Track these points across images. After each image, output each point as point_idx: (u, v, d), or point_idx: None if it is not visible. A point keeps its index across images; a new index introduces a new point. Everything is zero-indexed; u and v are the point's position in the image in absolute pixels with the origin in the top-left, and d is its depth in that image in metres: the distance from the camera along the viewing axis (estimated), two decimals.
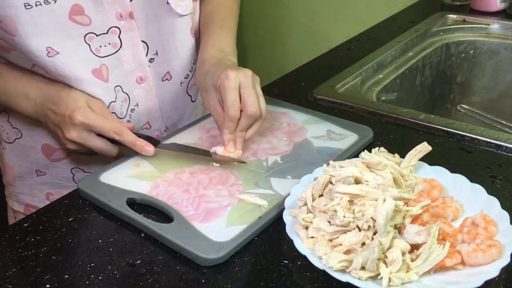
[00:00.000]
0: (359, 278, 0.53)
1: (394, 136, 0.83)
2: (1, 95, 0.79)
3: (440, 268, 0.54)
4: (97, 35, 0.76)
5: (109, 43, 0.77)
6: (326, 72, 1.05)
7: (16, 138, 0.87)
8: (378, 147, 0.69)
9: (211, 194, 0.68)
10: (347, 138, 0.80)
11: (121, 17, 0.77)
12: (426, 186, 0.65)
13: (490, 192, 0.63)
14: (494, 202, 0.61)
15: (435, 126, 0.84)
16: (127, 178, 0.72)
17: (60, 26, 0.72)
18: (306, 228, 0.59)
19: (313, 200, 0.61)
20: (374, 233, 0.55)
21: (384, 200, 0.55)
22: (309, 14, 1.83)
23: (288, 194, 0.66)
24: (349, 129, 0.82)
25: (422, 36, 1.22)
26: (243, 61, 1.99)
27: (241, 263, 0.59)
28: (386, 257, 0.54)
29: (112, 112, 0.80)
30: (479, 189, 0.64)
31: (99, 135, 0.75)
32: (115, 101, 0.81)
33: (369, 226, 0.55)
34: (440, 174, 0.67)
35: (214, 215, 0.64)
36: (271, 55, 2.00)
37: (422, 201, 0.60)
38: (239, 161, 0.74)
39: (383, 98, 1.06)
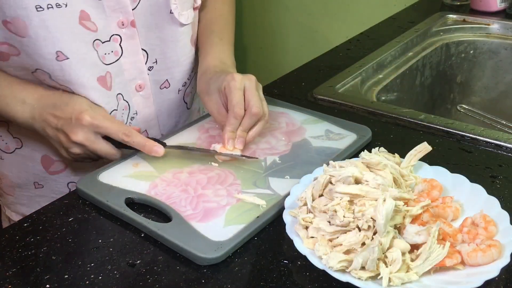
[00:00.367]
0: (359, 278, 0.53)
1: (394, 136, 0.83)
2: None
3: (440, 268, 0.54)
4: (102, 42, 0.76)
5: (112, 51, 0.77)
6: (326, 72, 1.05)
7: (16, 148, 0.87)
8: (378, 147, 0.69)
9: (209, 193, 0.68)
10: (346, 138, 0.80)
11: (123, 25, 0.77)
12: (426, 186, 0.65)
13: (490, 192, 0.63)
14: (494, 202, 0.61)
15: (435, 126, 0.84)
16: (126, 178, 0.71)
17: (71, 31, 0.71)
18: (306, 228, 0.59)
19: (313, 200, 0.61)
20: (374, 233, 0.55)
21: (384, 200, 0.55)
22: (309, 14, 1.83)
23: (286, 194, 0.66)
24: (347, 129, 0.82)
25: (422, 36, 1.22)
26: (243, 61, 1.99)
27: (241, 263, 0.58)
28: (386, 257, 0.54)
29: None
30: (479, 189, 0.64)
31: (105, 138, 0.75)
32: (116, 109, 0.81)
33: (369, 226, 0.55)
34: (440, 174, 0.67)
35: (213, 214, 0.64)
36: (271, 55, 2.00)
37: (422, 201, 0.60)
38: (251, 157, 0.75)
39: (383, 98, 1.06)
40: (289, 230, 0.59)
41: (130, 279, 0.57)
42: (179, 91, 0.91)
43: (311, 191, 0.61)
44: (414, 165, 0.68)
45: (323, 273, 0.54)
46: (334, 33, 1.76)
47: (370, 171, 0.62)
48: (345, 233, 0.56)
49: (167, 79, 0.87)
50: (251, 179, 0.71)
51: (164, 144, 0.76)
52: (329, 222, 0.57)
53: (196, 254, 0.58)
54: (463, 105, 1.30)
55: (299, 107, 0.89)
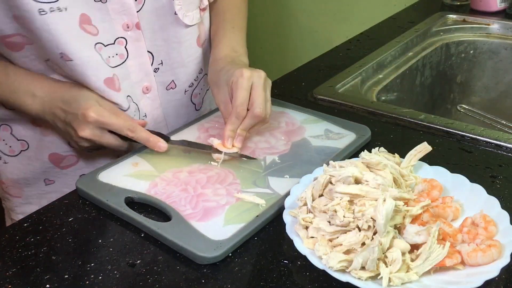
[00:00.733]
0: (359, 278, 0.53)
1: (394, 136, 0.83)
2: (7, 93, 0.78)
3: (440, 268, 0.54)
4: (105, 46, 0.75)
5: (117, 54, 0.77)
6: (326, 72, 1.05)
7: (22, 150, 0.87)
8: (378, 147, 0.69)
9: (209, 193, 0.68)
10: (345, 137, 0.80)
11: (128, 27, 0.77)
12: (426, 186, 0.65)
13: (490, 192, 0.63)
14: (494, 202, 0.61)
15: (435, 126, 0.84)
16: (126, 177, 0.71)
17: (72, 34, 0.71)
18: (306, 228, 0.59)
19: (313, 200, 0.61)
20: (374, 233, 0.55)
21: (384, 200, 0.55)
22: (309, 14, 1.83)
23: (286, 193, 0.66)
24: (347, 128, 0.82)
25: (422, 36, 1.22)
26: None
27: (241, 263, 0.58)
28: (386, 257, 0.54)
29: None
30: (479, 189, 0.64)
31: (111, 131, 0.75)
32: (127, 111, 0.81)
33: (369, 226, 0.55)
34: (440, 174, 0.67)
35: (212, 213, 0.64)
36: (271, 55, 2.00)
37: (422, 201, 0.60)
38: (250, 157, 0.75)
39: (383, 98, 1.06)
40: (289, 230, 0.59)
41: (130, 279, 0.57)
42: (185, 92, 0.91)
43: (311, 191, 0.61)
44: (414, 165, 0.68)
45: (323, 273, 0.54)
46: (334, 33, 1.76)
47: (370, 171, 0.62)
48: (345, 233, 0.56)
49: (173, 80, 0.87)
50: (250, 178, 0.71)
51: (168, 139, 0.77)
52: (329, 222, 0.57)
53: (196, 253, 0.58)
54: (463, 105, 1.30)
55: (299, 106, 0.89)
